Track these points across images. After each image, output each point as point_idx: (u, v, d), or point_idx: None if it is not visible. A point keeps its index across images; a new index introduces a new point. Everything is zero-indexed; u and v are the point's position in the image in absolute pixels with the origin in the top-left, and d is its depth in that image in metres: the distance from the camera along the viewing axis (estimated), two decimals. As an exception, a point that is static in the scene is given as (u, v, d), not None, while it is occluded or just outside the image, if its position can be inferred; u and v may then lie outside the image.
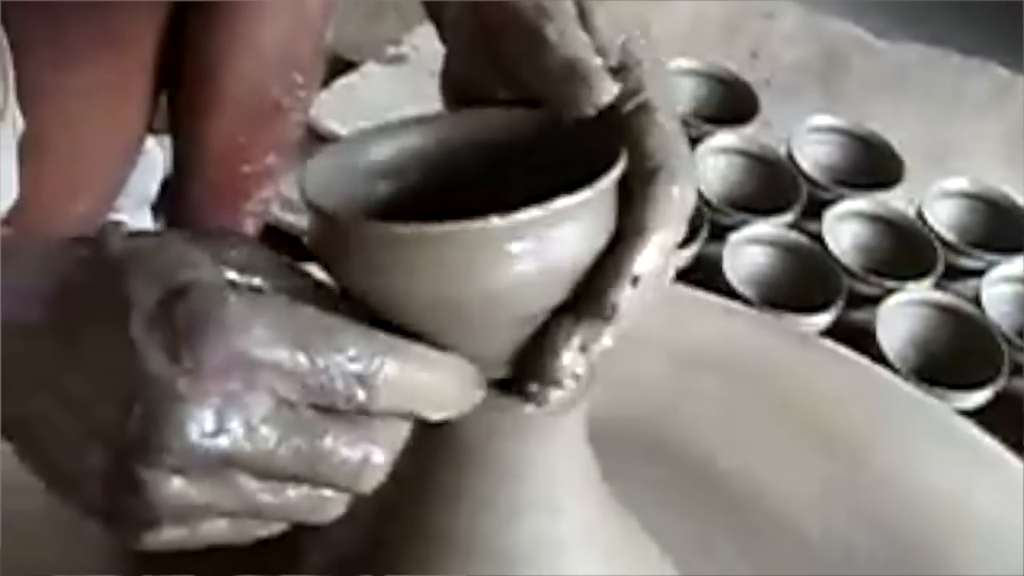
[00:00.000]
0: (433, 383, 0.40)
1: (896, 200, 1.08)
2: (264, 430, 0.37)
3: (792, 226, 1.04)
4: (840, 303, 0.96)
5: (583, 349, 0.42)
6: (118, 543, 0.40)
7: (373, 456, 0.40)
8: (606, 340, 0.42)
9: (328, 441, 0.39)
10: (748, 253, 1.00)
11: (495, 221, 0.38)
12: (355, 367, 0.38)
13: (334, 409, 0.38)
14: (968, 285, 1.02)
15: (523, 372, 0.43)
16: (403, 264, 0.39)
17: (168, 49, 0.80)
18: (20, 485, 0.42)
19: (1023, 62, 1.28)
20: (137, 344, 0.37)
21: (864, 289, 0.99)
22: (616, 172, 0.41)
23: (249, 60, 0.79)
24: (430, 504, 0.47)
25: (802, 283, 1.00)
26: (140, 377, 0.37)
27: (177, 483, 0.37)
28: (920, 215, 1.05)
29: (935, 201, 1.07)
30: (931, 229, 1.04)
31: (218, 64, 0.79)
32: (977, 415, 0.90)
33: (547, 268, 0.40)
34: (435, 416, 0.41)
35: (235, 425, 0.37)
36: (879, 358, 0.91)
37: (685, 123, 1.11)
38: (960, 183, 1.09)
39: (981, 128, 1.24)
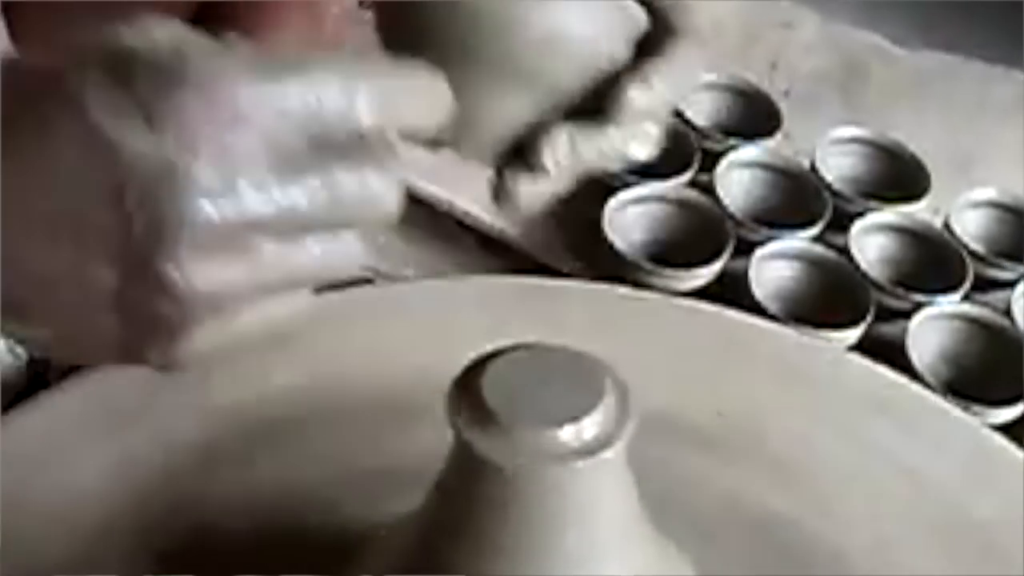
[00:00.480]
0: (412, 92, 0.39)
1: (920, 210, 1.07)
2: (273, 180, 0.34)
3: (818, 239, 1.02)
4: (869, 318, 0.95)
5: (576, 145, 0.44)
6: (150, 370, 0.36)
7: (387, 179, 0.37)
8: (608, 143, 0.44)
9: (341, 174, 0.36)
10: (774, 268, 0.99)
11: None
12: (340, 89, 0.35)
13: (330, 143, 0.36)
14: (998, 297, 1.01)
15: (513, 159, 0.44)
16: None
17: None
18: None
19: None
20: (104, 128, 0.32)
21: (893, 303, 0.98)
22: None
23: None
24: (476, 514, 0.46)
25: (829, 297, 0.98)
26: (122, 162, 0.32)
27: (202, 266, 0.33)
28: (947, 226, 1.04)
29: (962, 212, 1.05)
30: (959, 241, 1.02)
31: None
32: (1009, 428, 0.89)
33: (554, 33, 0.43)
34: (422, 126, 0.39)
35: (244, 183, 0.33)
36: (910, 373, 0.90)
37: (706, 136, 1.10)
38: (988, 193, 1.07)
39: (1005, 136, 1.22)
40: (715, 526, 0.60)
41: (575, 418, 0.44)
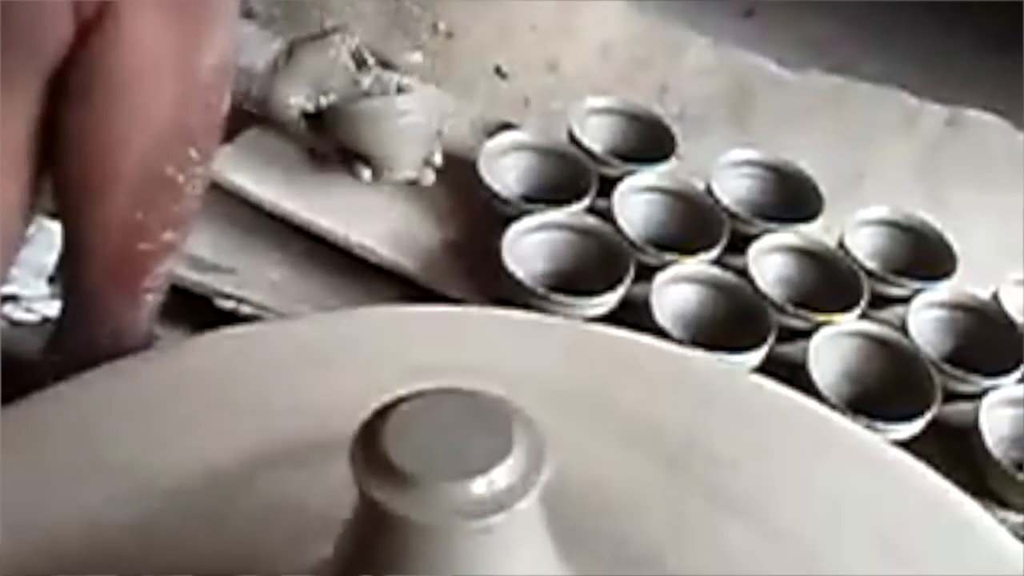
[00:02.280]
0: None
1: (815, 230, 1.08)
2: None
3: (716, 262, 1.02)
4: (770, 340, 0.95)
5: None
6: None
7: None
8: None
9: None
10: (675, 292, 0.99)
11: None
12: None
13: None
14: (895, 313, 1.02)
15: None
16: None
17: (44, 135, 0.75)
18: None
19: (931, 88, 1.30)
20: None
21: (793, 323, 0.98)
22: None
23: (139, 139, 0.75)
24: (384, 570, 0.44)
25: (731, 319, 0.98)
26: None
27: None
28: (842, 245, 1.05)
29: (856, 231, 1.06)
30: (854, 259, 1.03)
31: (107, 144, 0.74)
32: (911, 443, 0.90)
33: (408, 117, 1.04)
34: None
35: None
36: (812, 392, 0.90)
37: (603, 163, 1.09)
38: (880, 212, 1.09)
39: (892, 154, 1.25)
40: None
41: (486, 469, 0.42)
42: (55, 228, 0.99)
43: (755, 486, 0.63)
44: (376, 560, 0.43)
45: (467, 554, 0.43)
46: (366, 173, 1.03)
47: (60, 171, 0.77)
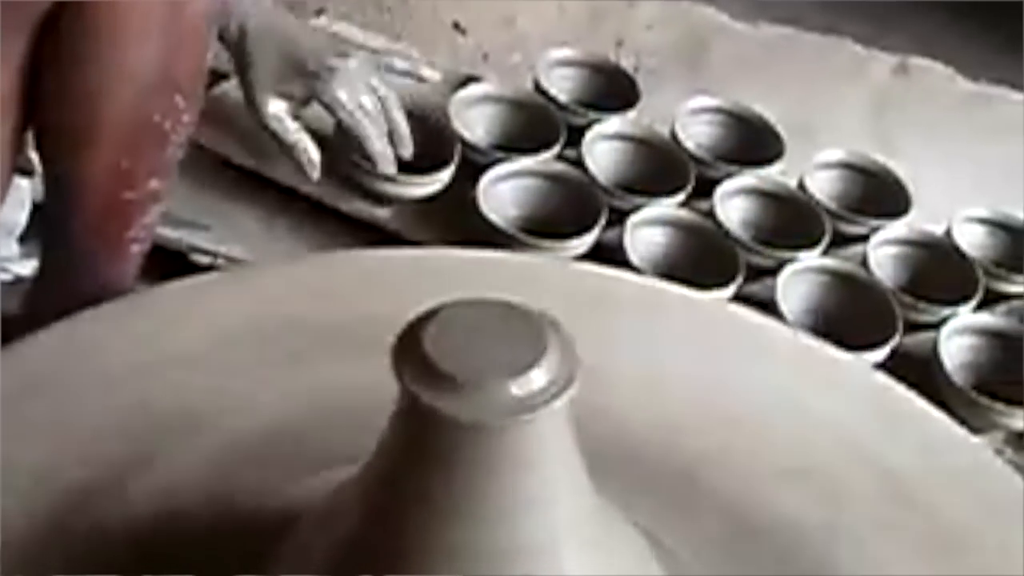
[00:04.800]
0: None
1: (775, 173, 1.11)
2: None
3: (684, 205, 1.05)
4: (740, 277, 0.98)
5: None
6: None
7: None
8: None
9: None
10: (646, 235, 1.01)
11: None
12: None
13: None
14: (854, 250, 1.06)
15: None
16: None
17: (29, 86, 0.74)
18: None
19: (876, 40, 1.34)
20: None
21: (759, 262, 1.01)
22: None
23: (127, 86, 0.75)
24: (424, 468, 0.46)
25: (700, 259, 1.01)
26: None
27: None
28: (802, 186, 1.08)
29: (814, 173, 1.10)
30: (815, 200, 1.07)
31: (95, 91, 0.75)
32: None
33: None
34: None
35: None
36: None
37: (571, 112, 1.11)
38: (837, 155, 1.12)
39: (843, 102, 1.29)
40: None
41: (523, 371, 0.44)
42: (25, 185, 0.99)
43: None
44: (417, 457, 0.45)
45: (503, 452, 0.45)
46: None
47: (45, 121, 0.77)
